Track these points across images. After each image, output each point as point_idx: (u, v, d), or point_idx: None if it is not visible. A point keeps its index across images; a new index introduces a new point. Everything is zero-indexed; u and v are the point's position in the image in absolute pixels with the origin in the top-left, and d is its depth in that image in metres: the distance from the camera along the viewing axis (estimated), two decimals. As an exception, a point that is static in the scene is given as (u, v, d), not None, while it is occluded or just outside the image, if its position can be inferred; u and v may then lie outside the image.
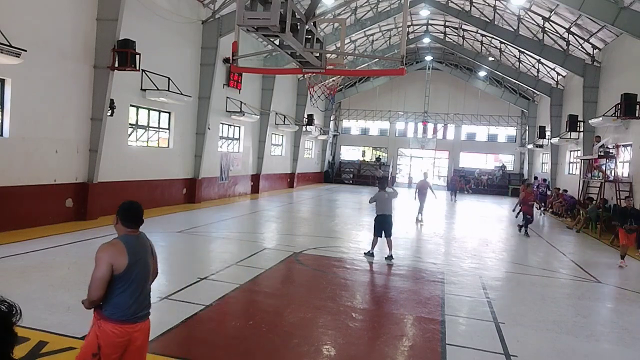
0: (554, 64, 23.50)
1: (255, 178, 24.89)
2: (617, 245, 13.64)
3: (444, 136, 38.63)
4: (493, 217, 21.58)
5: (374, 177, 37.67)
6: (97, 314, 3.31)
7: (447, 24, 29.59)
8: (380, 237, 10.45)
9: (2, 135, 10.50)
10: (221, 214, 16.23)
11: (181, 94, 15.79)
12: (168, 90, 15.10)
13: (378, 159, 40.87)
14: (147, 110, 15.79)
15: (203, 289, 7.40)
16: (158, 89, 14.85)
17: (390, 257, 10.27)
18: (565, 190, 23.43)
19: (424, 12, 26.26)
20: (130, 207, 3.46)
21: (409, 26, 29.41)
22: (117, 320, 3.24)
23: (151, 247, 3.58)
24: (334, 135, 41.01)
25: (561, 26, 21.01)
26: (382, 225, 10.39)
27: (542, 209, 23.15)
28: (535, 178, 28.92)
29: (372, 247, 10.55)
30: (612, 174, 16.81)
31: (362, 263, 10.07)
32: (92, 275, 3.20)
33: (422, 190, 17.77)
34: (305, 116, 30.23)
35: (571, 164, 25.15)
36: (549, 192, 25.28)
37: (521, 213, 19.14)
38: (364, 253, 10.63)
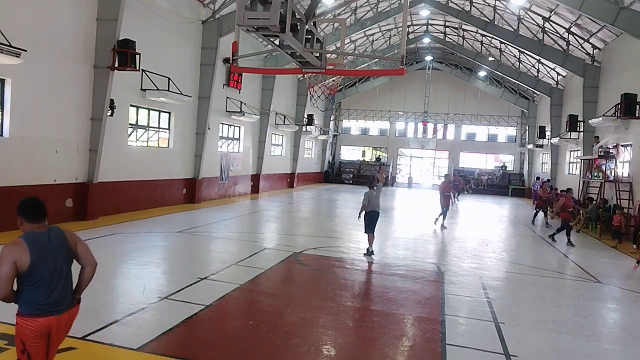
0: (554, 64, 23.51)
1: (255, 178, 24.89)
2: (613, 247, 13.67)
3: (444, 136, 38.64)
4: (493, 217, 21.57)
5: (374, 177, 37.94)
6: (17, 311, 3.34)
7: (447, 24, 29.60)
8: (371, 232, 10.48)
9: (2, 135, 10.50)
10: (221, 214, 16.22)
11: (181, 94, 15.79)
12: (168, 90, 15.10)
13: (378, 159, 40.87)
14: (147, 110, 15.79)
15: (203, 289, 7.39)
16: (158, 89, 14.85)
17: (372, 252, 10.49)
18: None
19: (424, 12, 26.27)
20: (26, 201, 3.46)
21: (409, 26, 29.42)
22: (31, 315, 3.28)
23: (71, 240, 3.50)
24: (334, 135, 41.02)
25: (561, 26, 21.01)
26: (373, 221, 10.45)
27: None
28: (538, 179, 28.52)
29: (370, 245, 10.54)
30: (612, 174, 16.81)
31: (362, 263, 10.07)
32: None
33: (444, 192, 16.14)
34: (305, 116, 30.23)
35: (571, 164, 25.16)
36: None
37: (540, 217, 18.97)
38: (364, 254, 10.54)
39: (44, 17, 11.10)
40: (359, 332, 6.10)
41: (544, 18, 21.20)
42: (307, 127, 30.55)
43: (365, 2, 24.11)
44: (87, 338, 5.19)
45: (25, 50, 9.83)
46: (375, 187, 10.57)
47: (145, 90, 14.78)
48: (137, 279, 7.82)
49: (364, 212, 10.53)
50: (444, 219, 15.94)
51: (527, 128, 35.76)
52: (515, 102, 35.70)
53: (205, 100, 17.99)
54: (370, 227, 10.47)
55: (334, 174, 40.57)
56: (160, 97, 14.98)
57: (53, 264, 3.36)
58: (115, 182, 13.91)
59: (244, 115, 21.15)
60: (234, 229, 13.93)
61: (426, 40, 32.59)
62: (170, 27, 15.89)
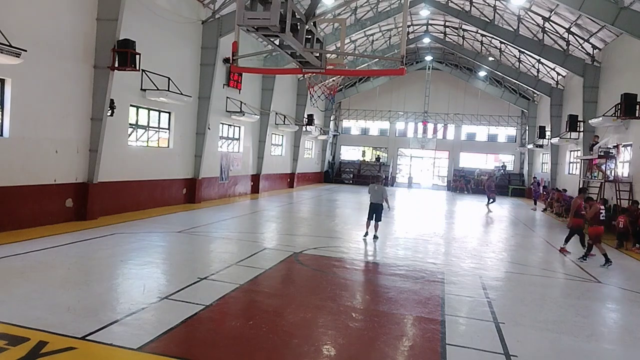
0: (554, 64, 23.51)
1: (255, 178, 24.89)
2: (610, 247, 13.65)
3: (444, 136, 38.62)
4: (493, 217, 21.56)
5: (378, 177, 38.50)
6: None
7: (447, 24, 29.60)
8: (372, 220, 12.69)
9: (2, 135, 10.50)
10: (221, 214, 16.22)
11: (181, 94, 15.78)
12: (168, 90, 15.09)
13: (378, 159, 40.88)
14: (147, 110, 15.78)
15: (203, 289, 7.39)
16: (158, 89, 14.84)
17: (375, 237, 12.63)
18: (565, 190, 23.46)
19: (424, 12, 26.28)
20: None
21: (409, 26, 29.43)
22: None
23: None
24: (334, 135, 41.02)
25: (561, 26, 21.02)
26: (372, 211, 12.68)
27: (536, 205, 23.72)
28: (534, 178, 29.07)
29: (367, 228, 12.85)
30: (612, 174, 16.80)
31: (362, 263, 10.08)
32: None
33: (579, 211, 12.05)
34: (305, 116, 30.22)
35: (571, 164, 25.17)
36: (541, 190, 25.77)
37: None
38: (364, 235, 12.84)
39: (44, 17, 11.10)
40: (359, 332, 6.10)
41: (544, 18, 21.19)
42: (307, 127, 30.54)
43: (365, 2, 24.10)
44: (87, 338, 5.19)
45: (25, 50, 9.83)
46: (376, 184, 12.96)
47: (145, 90, 14.77)
48: (137, 279, 7.82)
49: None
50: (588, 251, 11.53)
51: (527, 128, 35.76)
52: (515, 102, 35.69)
53: (205, 100, 17.99)
54: (370, 215, 12.73)
55: (334, 174, 40.57)
56: (160, 97, 14.97)
57: None
58: (115, 182, 13.91)
59: (244, 115, 21.15)
60: (234, 229, 13.93)
61: (426, 40, 32.60)
62: (170, 27, 15.88)
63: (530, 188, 34.30)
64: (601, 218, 11.19)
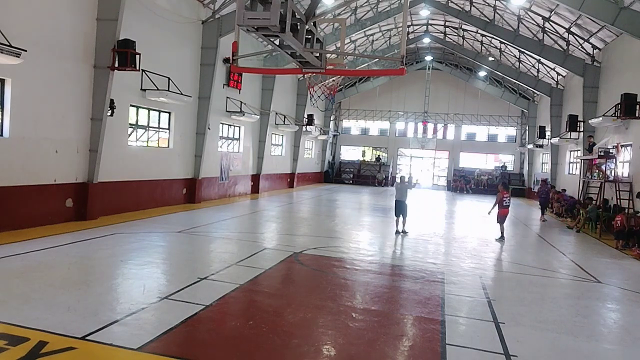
0: (554, 64, 23.52)
1: (255, 178, 24.89)
2: (615, 248, 13.65)
3: (444, 136, 38.64)
4: (493, 217, 21.51)
5: (374, 178, 38.91)
6: None
7: (447, 24, 29.61)
8: (398, 216, 13.53)
9: (2, 135, 10.50)
10: (221, 214, 16.22)
11: (181, 94, 15.78)
12: (168, 90, 15.09)
13: (378, 158, 40.89)
14: (147, 110, 15.78)
15: (203, 289, 7.39)
16: (158, 89, 14.85)
17: (404, 232, 13.51)
18: (564, 190, 23.45)
19: (424, 12, 26.29)
20: None
21: (409, 26, 29.44)
22: None
23: None
24: (334, 135, 41.02)
25: (561, 26, 21.02)
26: (397, 208, 13.55)
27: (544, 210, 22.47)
28: (545, 180, 28.25)
29: (396, 226, 13.71)
30: (612, 174, 16.79)
31: (362, 263, 10.07)
32: None
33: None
34: (305, 116, 30.22)
35: (571, 164, 25.17)
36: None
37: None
38: (395, 232, 13.67)
39: (44, 17, 11.10)
40: (359, 332, 6.10)
41: (544, 18, 21.19)
42: (307, 127, 30.54)
43: (365, 2, 24.11)
44: (87, 338, 5.19)
45: (25, 50, 9.83)
46: (400, 182, 14.13)
47: (145, 90, 14.77)
48: (137, 279, 7.82)
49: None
50: None
51: (527, 128, 35.75)
52: (515, 102, 35.69)
53: (205, 100, 17.99)
54: (396, 212, 13.63)
55: (334, 174, 40.58)
56: (160, 97, 14.98)
57: None
58: (115, 182, 13.91)
59: (244, 115, 21.15)
60: (234, 229, 13.92)
61: (426, 40, 32.61)
62: (170, 27, 15.88)
63: (530, 188, 34.30)
64: (505, 204, 14.41)
